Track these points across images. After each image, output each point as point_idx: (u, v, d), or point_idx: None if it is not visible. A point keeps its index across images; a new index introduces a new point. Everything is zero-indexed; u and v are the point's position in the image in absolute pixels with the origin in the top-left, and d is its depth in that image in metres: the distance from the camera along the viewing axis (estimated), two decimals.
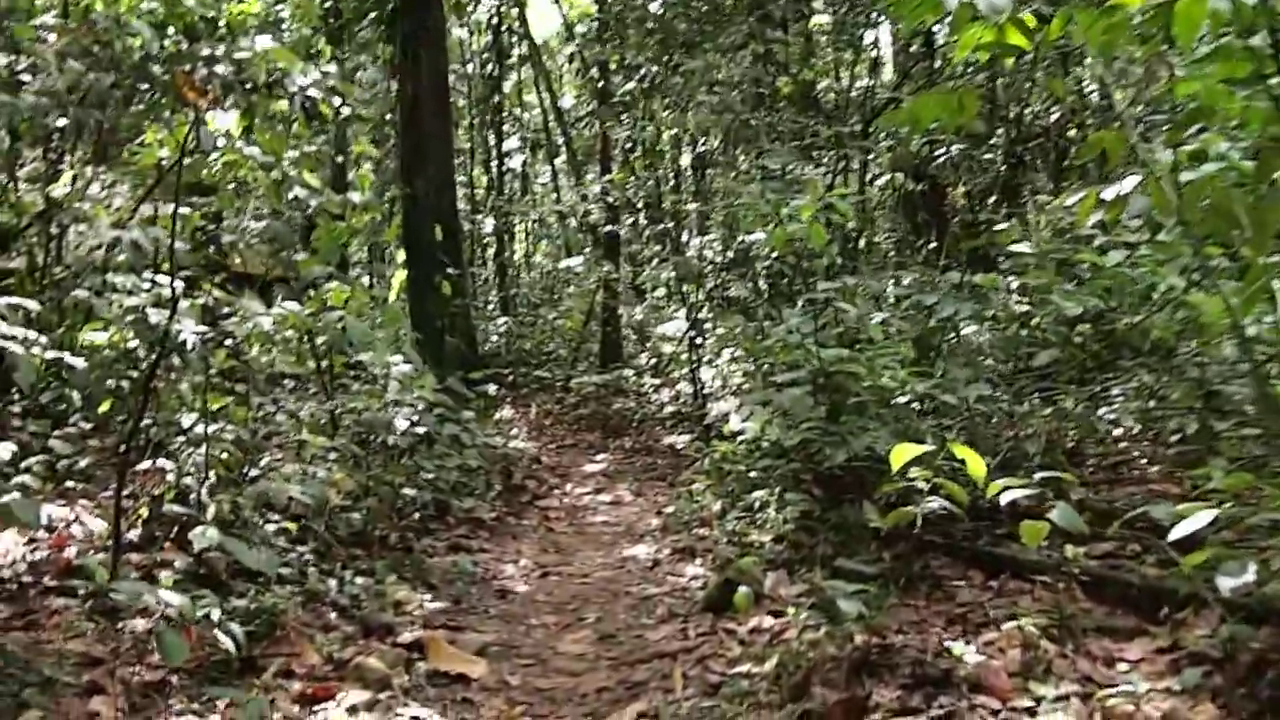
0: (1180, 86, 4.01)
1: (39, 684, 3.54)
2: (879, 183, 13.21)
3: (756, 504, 6.40)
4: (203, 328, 5.05)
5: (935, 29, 12.33)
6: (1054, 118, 12.38)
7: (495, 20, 20.93)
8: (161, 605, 3.38)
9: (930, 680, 3.66)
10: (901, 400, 5.99)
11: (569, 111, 22.45)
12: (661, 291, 16.78)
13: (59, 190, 7.84)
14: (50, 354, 4.67)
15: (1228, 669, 3.35)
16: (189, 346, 4.79)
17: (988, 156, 12.61)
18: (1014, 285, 7.23)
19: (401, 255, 12.09)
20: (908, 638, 4.09)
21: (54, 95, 4.79)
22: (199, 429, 5.57)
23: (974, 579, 5.01)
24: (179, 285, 5.19)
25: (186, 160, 5.60)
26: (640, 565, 6.39)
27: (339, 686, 3.96)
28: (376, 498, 6.21)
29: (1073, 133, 14.73)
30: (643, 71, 13.50)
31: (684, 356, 13.38)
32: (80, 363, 5.04)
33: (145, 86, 5.32)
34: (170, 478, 5.67)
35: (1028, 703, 3.40)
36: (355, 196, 7.09)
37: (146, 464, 6.00)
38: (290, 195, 5.84)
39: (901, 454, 3.86)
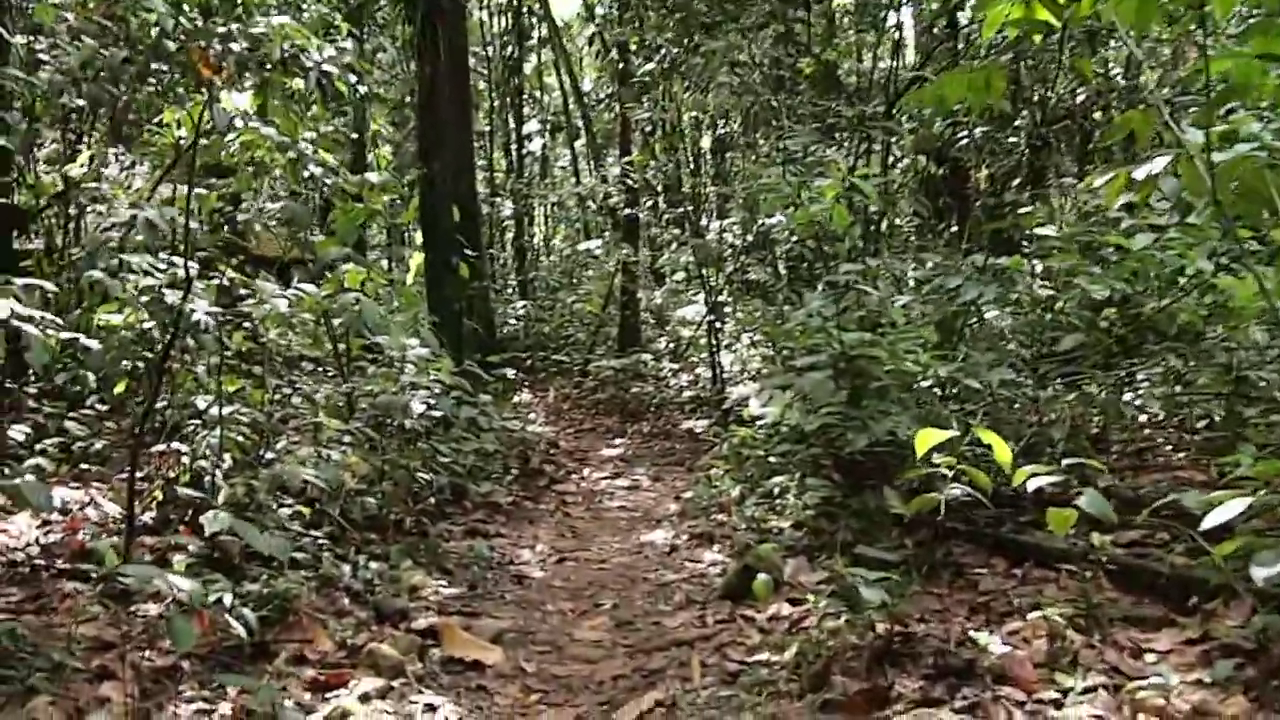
0: (1213, 64, 3.89)
1: (49, 669, 3.50)
2: (901, 165, 13.08)
3: (776, 489, 6.33)
4: (217, 309, 5.00)
5: (959, 10, 12.17)
6: (1079, 99, 12.22)
7: (516, 2, 20.81)
8: (172, 590, 3.32)
9: (953, 670, 3.59)
10: (924, 385, 5.89)
11: (589, 94, 22.34)
12: (681, 275, 16.68)
13: (76, 171, 7.82)
14: (65, 335, 4.63)
15: (1261, 661, 3.27)
16: (202, 327, 4.73)
17: (1011, 139, 12.46)
18: (1038, 269, 7.12)
19: (419, 238, 12.03)
20: (930, 626, 4.02)
21: (67, 72, 4.72)
22: (214, 411, 5.53)
23: (997, 567, 4.93)
24: (194, 266, 5.14)
25: (204, 141, 5.56)
26: (658, 551, 6.32)
27: (352, 673, 3.91)
28: (392, 481, 6.16)
29: (1097, 115, 14.57)
30: (663, 52, 13.38)
31: (703, 341, 13.31)
32: (95, 344, 5.01)
33: (160, 64, 5.25)
34: (185, 460, 5.65)
35: (1054, 694, 3.32)
36: (373, 177, 7.01)
37: (161, 446, 5.99)
38: (306, 174, 5.76)
39: (925, 439, 3.77)
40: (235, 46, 4.49)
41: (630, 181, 14.99)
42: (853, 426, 5.64)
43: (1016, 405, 6.15)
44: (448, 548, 6.02)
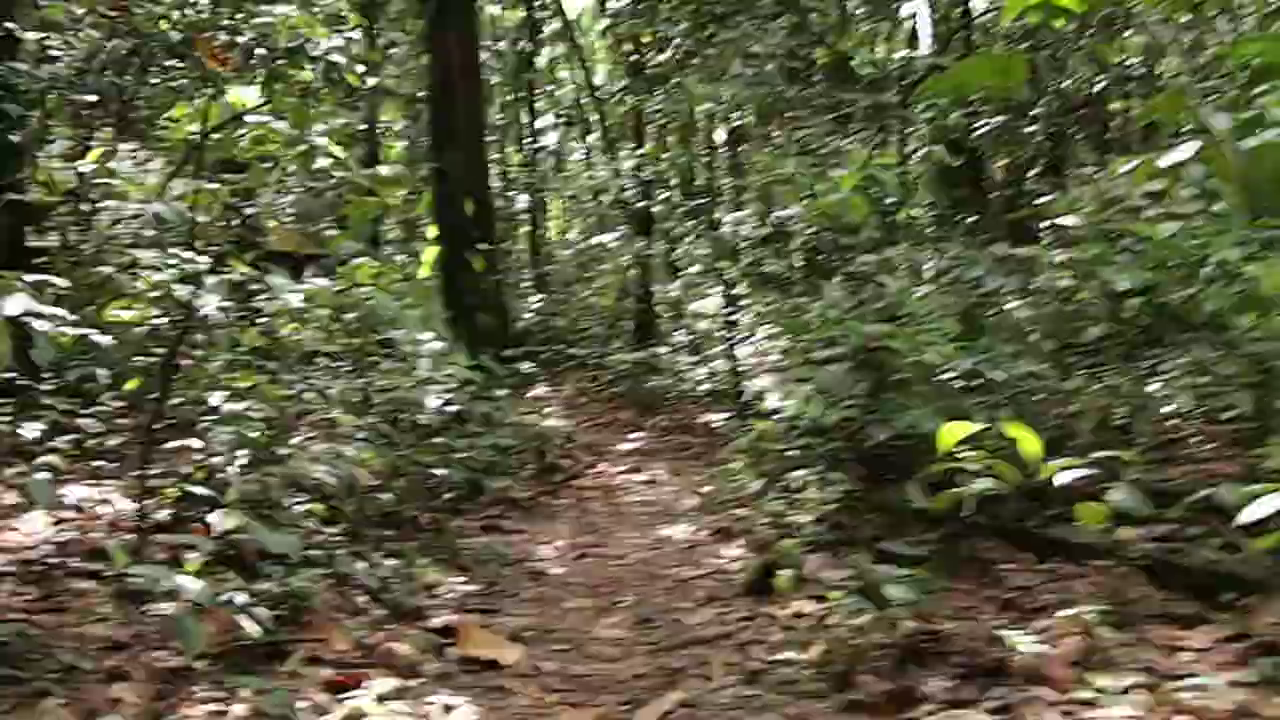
0: (1241, 47, 3.79)
1: (60, 670, 3.45)
2: (917, 155, 12.96)
3: (796, 484, 6.24)
4: (227, 303, 4.93)
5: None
6: (1098, 88, 12.08)
7: None
8: (182, 591, 3.26)
9: (983, 670, 3.50)
10: (946, 377, 5.79)
11: (602, 87, 22.25)
12: (696, 268, 16.59)
13: (87, 166, 7.78)
14: (77, 331, 4.58)
15: None
16: (211, 322, 4.67)
17: (1029, 128, 12.33)
18: (1059, 259, 7.01)
19: (433, 232, 11.96)
20: (957, 624, 3.94)
21: (72, 66, 4.67)
22: (227, 407, 5.47)
23: (1024, 562, 4.84)
24: (204, 260, 5.09)
25: (216, 136, 5.52)
26: (677, 546, 6.24)
27: (367, 673, 3.84)
28: (407, 478, 6.10)
29: (1115, 104, 14.42)
30: (676, 44, 13.28)
31: (719, 333, 13.21)
32: (107, 340, 4.96)
33: (165, 54, 5.19)
34: (199, 457, 5.59)
35: (1087, 694, 3.22)
36: (385, 170, 6.94)
37: (176, 443, 5.94)
38: (316, 166, 5.70)
39: (950, 433, 3.69)
40: (241, 38, 4.42)
41: (644, 174, 14.90)
42: (873, 419, 5.55)
43: (1039, 397, 6.05)
44: (464, 544, 5.95)
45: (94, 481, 5.82)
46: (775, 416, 7.25)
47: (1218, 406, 6.25)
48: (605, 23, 18.61)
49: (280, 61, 4.67)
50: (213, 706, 3.45)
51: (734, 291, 12.31)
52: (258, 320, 6.45)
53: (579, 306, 18.79)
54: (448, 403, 6.83)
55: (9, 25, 7.38)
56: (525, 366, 11.30)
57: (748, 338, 12.57)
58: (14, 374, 5.69)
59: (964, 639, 3.74)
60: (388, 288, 7.40)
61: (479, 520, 6.68)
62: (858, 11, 14.92)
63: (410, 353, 7.10)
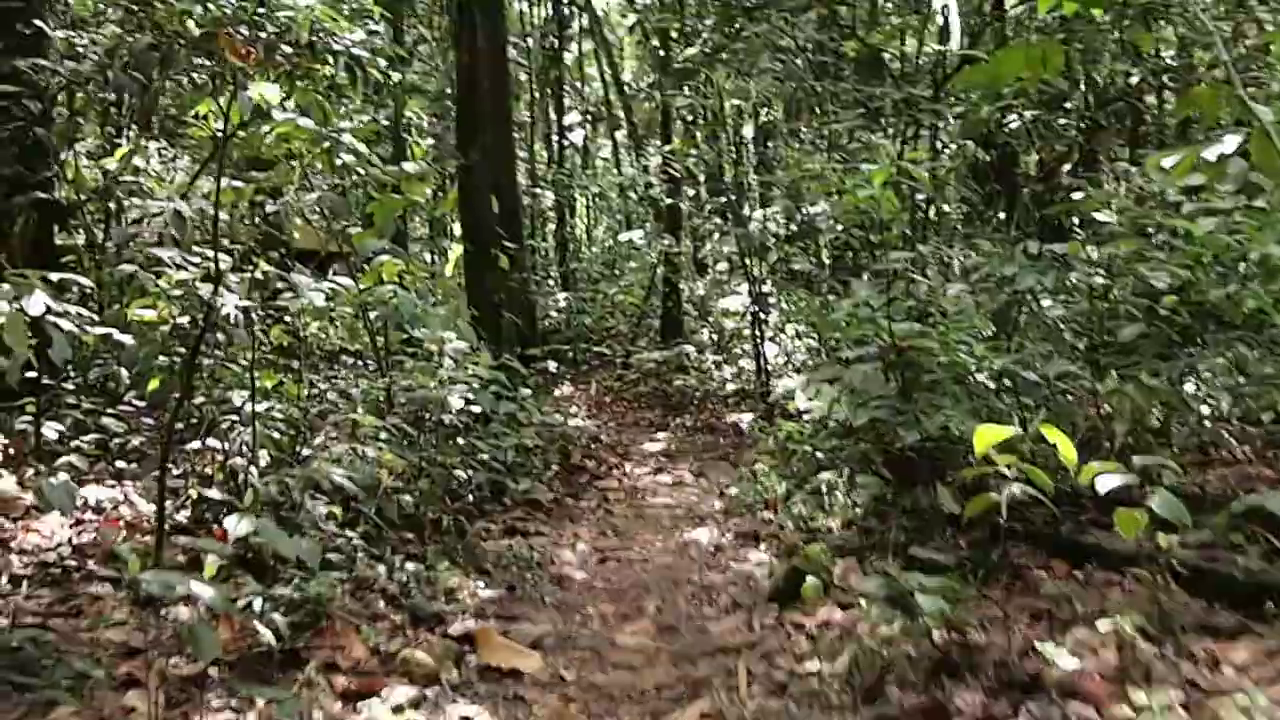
0: None
1: (72, 677, 3.39)
2: (949, 150, 12.80)
3: (823, 486, 6.12)
4: (247, 302, 4.88)
5: None
6: (1133, 80, 11.87)
7: None
8: (196, 597, 3.19)
9: (1017, 684, 3.39)
10: (979, 377, 5.66)
11: (629, 84, 22.15)
12: (724, 265, 16.48)
13: (112, 164, 7.76)
14: (99, 330, 4.54)
15: None
16: (233, 321, 4.61)
17: (1062, 122, 12.14)
18: (1093, 255, 6.86)
19: (459, 229, 11.91)
20: (990, 635, 3.82)
21: (82, 57, 4.61)
22: (249, 407, 5.42)
23: (1057, 569, 4.72)
24: (225, 258, 5.03)
25: (242, 133, 5.45)
26: (702, 550, 6.13)
27: (384, 681, 3.77)
28: (429, 479, 6.02)
29: (1150, 99, 14.17)
30: (704, 38, 13.16)
31: (746, 332, 13.10)
32: (129, 339, 4.92)
33: (187, 50, 5.13)
34: (220, 458, 5.55)
35: (1127, 711, 3.11)
36: (410, 167, 6.87)
37: (197, 444, 5.90)
38: (339, 162, 5.62)
39: (985, 437, 3.58)
40: (263, 33, 4.35)
41: (672, 171, 14.80)
42: (904, 421, 5.43)
43: (1072, 398, 5.91)
44: (486, 547, 5.87)
45: (115, 482, 5.78)
46: (803, 417, 7.14)
47: (1257, 408, 6.09)
48: (633, 18, 18.52)
49: (301, 57, 4.59)
50: (226, 715, 3.40)
51: (761, 289, 12.18)
52: (283, 319, 6.40)
53: (605, 304, 18.71)
54: (471, 402, 6.74)
55: (37, 22, 7.39)
56: (551, 365, 11.25)
57: (775, 336, 12.45)
58: (37, 373, 5.65)
59: (997, 650, 3.63)
60: (413, 286, 7.35)
61: (502, 522, 6.59)
62: (887, 5, 14.76)
63: (434, 351, 7.03)
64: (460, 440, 6.77)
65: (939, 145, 11.61)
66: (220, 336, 4.87)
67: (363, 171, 6.07)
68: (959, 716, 3.23)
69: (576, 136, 23.94)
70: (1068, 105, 12.19)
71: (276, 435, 5.71)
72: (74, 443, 6.05)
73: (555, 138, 22.13)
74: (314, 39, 4.56)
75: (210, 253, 5.02)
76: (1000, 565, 4.73)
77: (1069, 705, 3.17)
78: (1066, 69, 11.22)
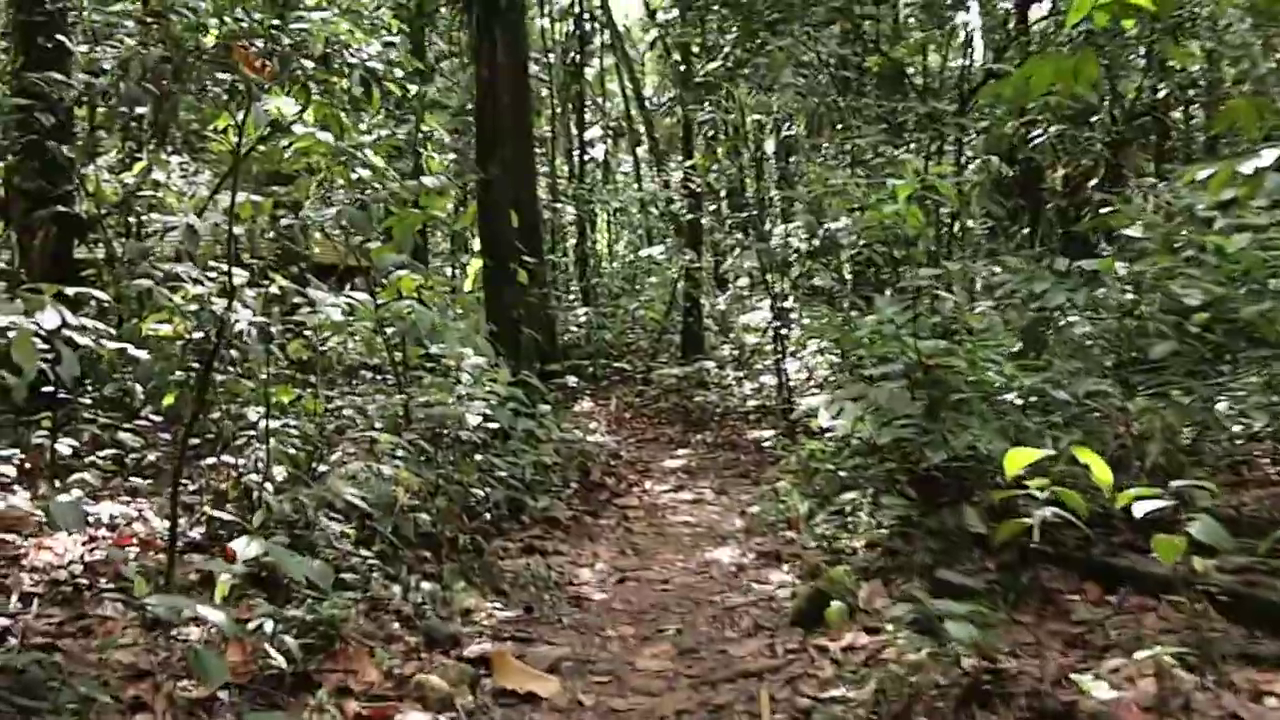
0: None
1: (78, 701, 3.31)
2: (973, 165, 12.70)
3: (847, 506, 6.01)
4: (263, 318, 4.81)
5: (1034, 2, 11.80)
6: (1160, 94, 11.75)
7: (577, 8, 20.66)
8: (204, 620, 3.11)
9: (1050, 714, 3.28)
10: (1009, 396, 5.54)
11: (650, 99, 22.13)
12: (745, 281, 16.37)
13: (131, 178, 7.75)
14: (114, 345, 4.48)
15: None
16: (246, 338, 4.54)
17: (1088, 136, 12.02)
18: (1121, 272, 6.74)
19: (478, 244, 11.85)
20: (1022, 662, 3.70)
21: (104, 72, 4.57)
22: (264, 423, 5.35)
23: (1089, 594, 4.60)
24: (241, 273, 4.97)
25: (261, 147, 5.41)
26: (723, 570, 6.02)
27: (398, 706, 3.67)
28: (446, 496, 5.94)
29: (1175, 113, 14.02)
30: (726, 51, 13.10)
31: (768, 348, 12.99)
32: (143, 355, 4.86)
33: (201, 63, 5.08)
34: (236, 474, 5.49)
35: None
36: (429, 181, 6.81)
37: (212, 460, 5.83)
38: (355, 176, 5.56)
39: (1017, 459, 3.47)
40: (278, 46, 4.29)
41: (693, 186, 14.73)
42: (930, 440, 5.32)
43: (1100, 416, 5.78)
44: (503, 566, 5.77)
45: (129, 499, 5.72)
46: (826, 435, 7.03)
47: None
48: (654, 33, 18.50)
49: (316, 69, 4.53)
50: None
51: (783, 305, 12.06)
52: (302, 334, 6.34)
53: (626, 319, 18.63)
54: (489, 419, 6.66)
55: (59, 37, 7.39)
56: (570, 381, 11.15)
57: (796, 352, 12.33)
58: (53, 387, 5.61)
59: (1029, 679, 3.51)
60: (432, 301, 7.28)
61: (520, 541, 6.49)
62: (910, 20, 14.70)
63: (453, 367, 6.96)
64: (478, 457, 6.68)
65: (963, 160, 11.51)
66: (234, 352, 4.80)
67: (380, 186, 6.00)
68: None
69: (598, 151, 23.93)
70: (1093, 120, 12.07)
71: (292, 451, 5.63)
72: (89, 458, 6.01)
73: (576, 153, 22.11)
74: (328, 51, 4.49)
75: (226, 268, 4.96)
76: (1030, 589, 4.62)
77: None
78: (1092, 83, 11.11)
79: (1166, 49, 9.90)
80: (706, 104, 14.43)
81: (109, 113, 8.29)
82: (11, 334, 3.61)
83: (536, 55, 19.23)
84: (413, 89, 6.20)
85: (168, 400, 5.85)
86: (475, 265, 10.56)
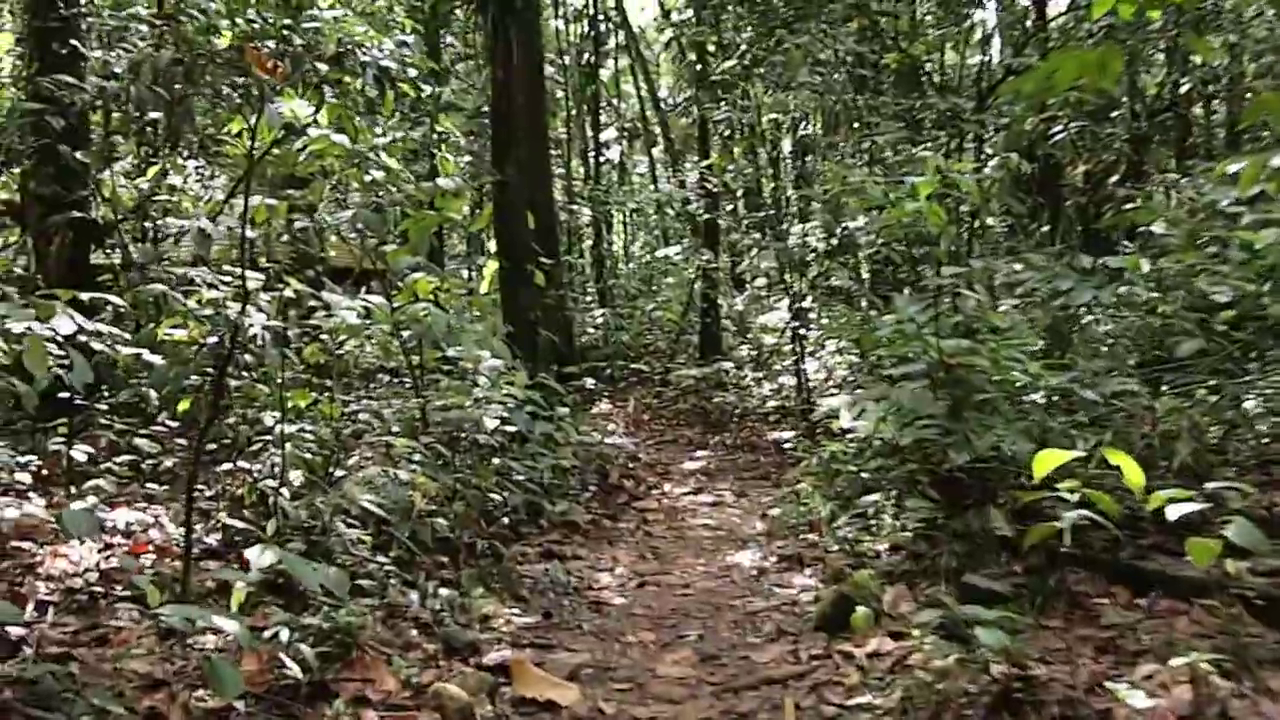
0: None
1: (91, 713, 3.26)
2: (993, 163, 12.59)
3: (870, 509, 5.92)
4: (277, 322, 4.76)
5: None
6: (1184, 89, 11.61)
7: (592, 9, 20.62)
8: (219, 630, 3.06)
9: None
10: (1035, 396, 5.44)
11: (666, 99, 22.07)
12: (762, 281, 16.29)
13: (145, 183, 7.73)
14: (128, 351, 4.45)
15: None
16: (260, 342, 4.49)
17: (1109, 131, 11.90)
18: (1144, 268, 6.64)
19: (494, 246, 11.80)
20: (1052, 669, 3.61)
21: (115, 76, 4.53)
22: (280, 429, 5.31)
23: (1118, 597, 4.50)
24: (255, 277, 4.93)
25: (275, 151, 5.37)
26: (744, 574, 5.94)
27: (416, 716, 3.61)
28: (464, 501, 5.88)
29: (1196, 109, 13.87)
30: (742, 50, 13.02)
31: (786, 348, 12.90)
32: (158, 360, 4.82)
33: (213, 65, 5.04)
34: (252, 479, 5.45)
35: None
36: (445, 183, 6.75)
37: (229, 465, 5.80)
38: (369, 178, 5.51)
39: (1046, 460, 3.39)
40: (290, 46, 4.24)
41: (709, 186, 14.66)
42: (954, 441, 5.23)
43: (1125, 415, 5.68)
44: (522, 571, 5.71)
45: (146, 505, 5.68)
46: (847, 436, 6.94)
47: None
48: (669, 33, 18.43)
49: (329, 70, 4.48)
50: None
51: (801, 305, 11.98)
52: (319, 338, 6.30)
53: (643, 321, 18.56)
54: (506, 422, 6.60)
55: (73, 42, 7.37)
56: (588, 383, 11.10)
57: (815, 353, 12.24)
58: (70, 393, 5.58)
59: (1061, 686, 3.43)
60: (448, 303, 7.23)
61: (538, 545, 6.44)
62: (927, 17, 14.59)
63: (470, 370, 6.90)
64: (496, 461, 6.62)
65: (983, 157, 11.40)
66: (250, 357, 4.75)
67: (395, 188, 5.95)
68: None
69: (613, 153, 23.88)
70: (1113, 115, 11.95)
71: (308, 456, 5.59)
72: (105, 465, 5.98)
73: (592, 154, 22.06)
74: (340, 50, 4.44)
75: (241, 272, 4.91)
76: (1058, 593, 4.53)
77: None
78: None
79: (1190, 42, 9.76)
80: (722, 103, 14.35)
81: (124, 118, 8.28)
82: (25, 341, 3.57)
83: (551, 57, 19.18)
84: (427, 90, 6.12)
85: (183, 406, 5.82)
86: (491, 267, 10.51)
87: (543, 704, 3.88)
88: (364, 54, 4.53)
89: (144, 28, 7.31)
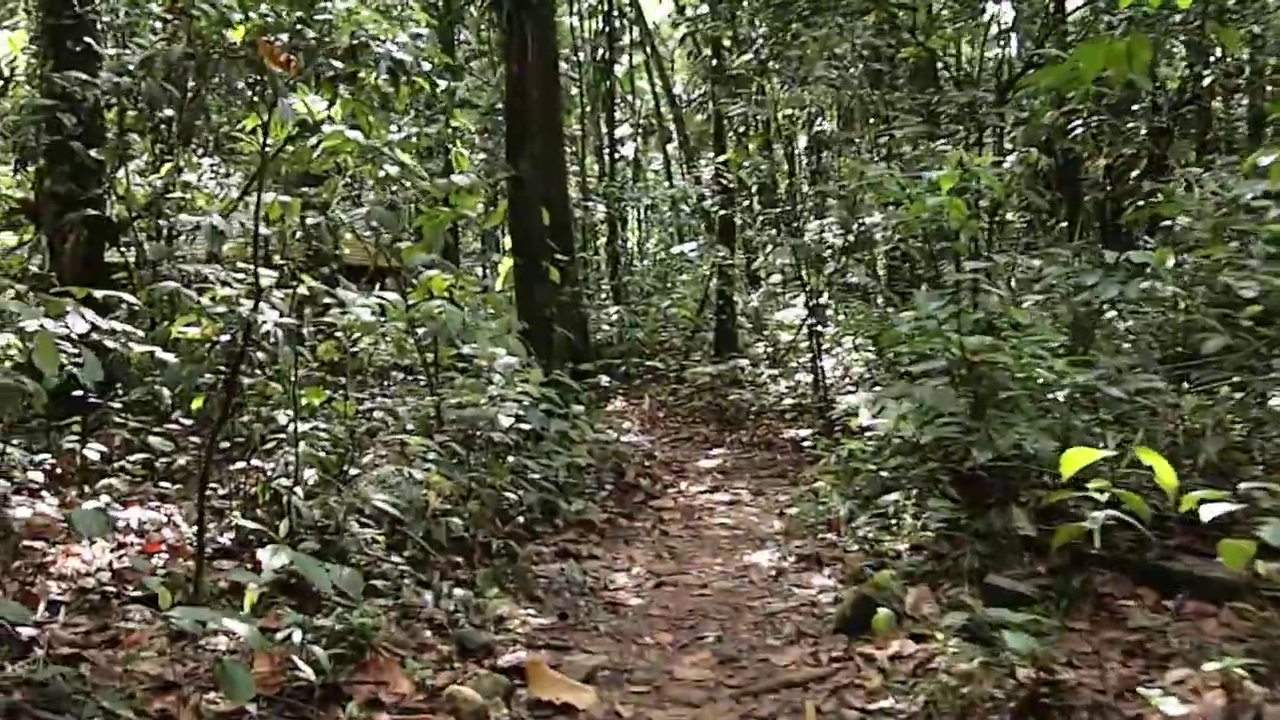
0: None
1: (102, 715, 3.22)
2: (1013, 157, 12.48)
3: (890, 508, 5.84)
4: (290, 320, 4.71)
5: None
6: (1206, 81, 11.47)
7: (607, 6, 20.54)
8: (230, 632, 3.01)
9: None
10: (1060, 394, 5.34)
11: (681, 96, 21.99)
12: (778, 277, 16.20)
13: (159, 180, 7.69)
14: (141, 349, 4.41)
15: None
16: (273, 339, 4.44)
17: (1130, 125, 11.76)
18: (1171, 263, 6.54)
19: (509, 243, 11.75)
20: (1080, 673, 3.53)
21: (127, 72, 4.49)
22: (294, 427, 5.26)
23: (1145, 599, 4.42)
24: (268, 275, 4.88)
25: (290, 147, 5.33)
26: (762, 575, 5.86)
27: (430, 719, 3.56)
28: (478, 500, 5.82)
29: (1216, 102, 13.71)
30: (758, 44, 12.92)
31: (803, 345, 12.81)
32: (172, 358, 4.78)
33: (225, 60, 4.99)
34: (266, 478, 5.40)
35: None
36: (460, 179, 6.70)
37: (243, 464, 5.75)
38: (382, 174, 5.45)
39: (1074, 460, 3.30)
40: (303, 40, 4.19)
41: (724, 182, 14.57)
42: (975, 440, 5.14)
43: (1150, 413, 5.58)
44: (537, 571, 5.65)
45: (159, 504, 5.64)
46: (865, 434, 6.86)
47: None
48: (684, 29, 18.34)
49: (342, 64, 4.42)
50: None
51: (818, 301, 11.88)
52: (334, 335, 6.26)
53: (658, 318, 18.49)
54: (521, 420, 6.54)
55: (87, 39, 7.34)
56: (603, 380, 11.03)
57: (832, 350, 12.15)
58: (84, 391, 5.55)
59: (1089, 691, 3.35)
60: (463, 300, 7.18)
61: (554, 545, 6.37)
62: (944, 10, 14.47)
63: (484, 367, 6.85)
64: (511, 459, 6.57)
65: (1003, 151, 11.29)
66: (264, 355, 4.70)
67: (409, 185, 5.89)
68: None
69: (628, 149, 23.82)
70: (1134, 109, 11.81)
71: (322, 455, 5.54)
72: (118, 463, 5.95)
73: (607, 150, 22.00)
74: (354, 44, 4.38)
75: (260, 269, 4.87)
76: (1083, 594, 4.45)
77: None
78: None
79: (1215, 32, 9.62)
80: (738, 99, 14.25)
81: (138, 115, 8.25)
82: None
83: (566, 53, 19.13)
84: (442, 85, 6.06)
85: (196, 404, 5.78)
86: (506, 264, 10.47)
87: (559, 707, 3.82)
88: (378, 47, 4.46)
89: (157, 24, 7.29)
